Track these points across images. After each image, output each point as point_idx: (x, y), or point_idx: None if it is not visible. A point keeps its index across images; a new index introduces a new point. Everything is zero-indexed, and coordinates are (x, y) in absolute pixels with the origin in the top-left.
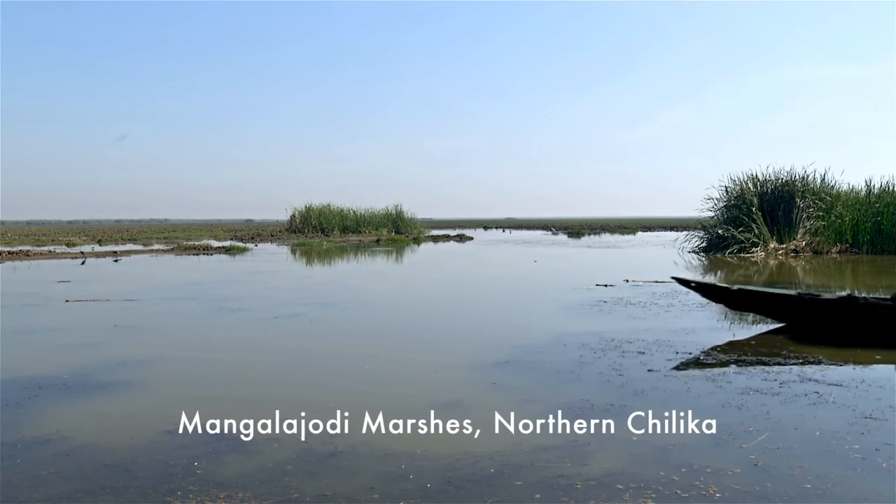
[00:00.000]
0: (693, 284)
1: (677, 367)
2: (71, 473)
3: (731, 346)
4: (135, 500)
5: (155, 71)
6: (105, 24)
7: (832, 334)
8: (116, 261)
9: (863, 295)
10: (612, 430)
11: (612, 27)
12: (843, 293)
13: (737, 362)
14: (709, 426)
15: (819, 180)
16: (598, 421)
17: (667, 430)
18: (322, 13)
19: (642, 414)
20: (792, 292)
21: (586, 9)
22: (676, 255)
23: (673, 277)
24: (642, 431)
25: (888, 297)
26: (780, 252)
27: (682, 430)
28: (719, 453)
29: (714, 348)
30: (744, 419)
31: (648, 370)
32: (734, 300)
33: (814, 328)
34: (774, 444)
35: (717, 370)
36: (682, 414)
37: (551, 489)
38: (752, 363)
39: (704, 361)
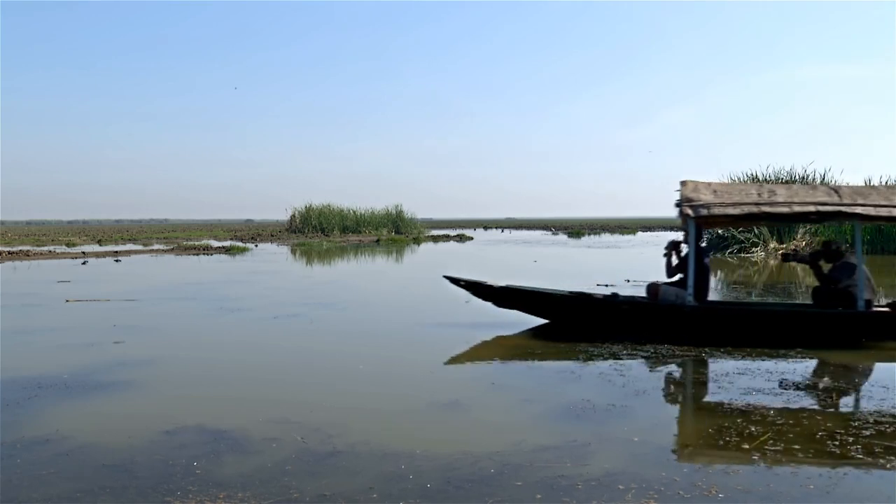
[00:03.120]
0: (462, 283)
1: (674, 367)
2: (70, 473)
3: (736, 347)
4: (134, 500)
5: (155, 71)
6: (105, 24)
7: (595, 329)
8: (118, 261)
9: (627, 294)
10: (614, 431)
11: (612, 27)
12: (609, 292)
13: (739, 362)
14: (711, 426)
15: (819, 180)
16: (599, 421)
17: (668, 430)
18: (322, 13)
19: (644, 414)
20: (554, 291)
21: (586, 9)
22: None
23: (445, 276)
24: (644, 431)
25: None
26: (780, 252)
27: (683, 430)
28: (722, 453)
29: (719, 347)
30: (746, 419)
31: (650, 370)
32: (500, 298)
33: (575, 324)
34: (777, 443)
35: (719, 370)
36: (684, 414)
37: (552, 489)
38: (754, 363)
39: (704, 360)
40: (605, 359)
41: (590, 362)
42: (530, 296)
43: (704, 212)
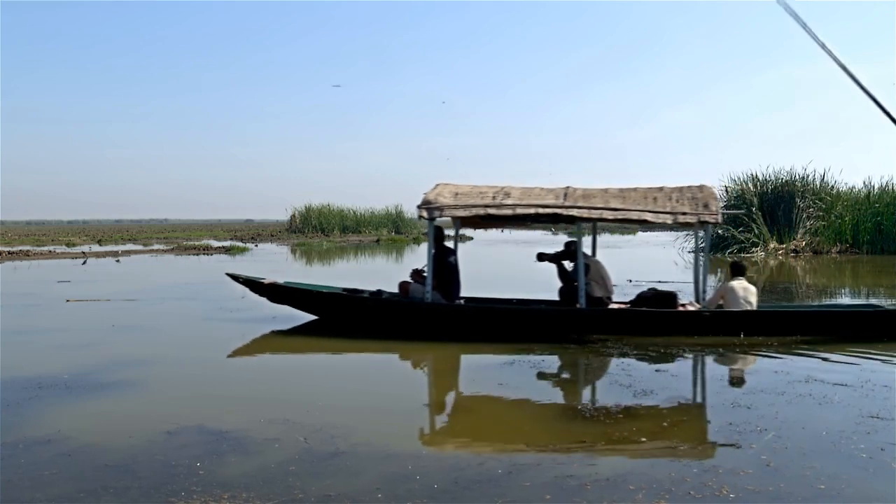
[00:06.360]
0: (241, 279)
1: (680, 367)
2: (72, 474)
3: (751, 345)
4: (137, 501)
5: (154, 71)
6: (104, 24)
7: (363, 326)
8: (118, 261)
9: (388, 294)
10: (621, 430)
11: (612, 28)
12: (373, 289)
13: (743, 361)
14: (719, 426)
15: (819, 180)
16: (606, 421)
17: (676, 430)
18: (322, 13)
19: (651, 413)
20: (316, 288)
21: (587, 9)
22: (676, 255)
23: (227, 274)
24: (651, 431)
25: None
26: (780, 252)
27: (692, 430)
28: (730, 453)
29: (727, 347)
30: (752, 419)
31: (656, 370)
32: (271, 294)
33: (340, 320)
34: (783, 444)
35: (723, 369)
36: (691, 414)
37: (561, 489)
38: (757, 363)
39: (715, 358)
40: (611, 359)
41: (596, 363)
42: (295, 293)
43: (437, 213)
